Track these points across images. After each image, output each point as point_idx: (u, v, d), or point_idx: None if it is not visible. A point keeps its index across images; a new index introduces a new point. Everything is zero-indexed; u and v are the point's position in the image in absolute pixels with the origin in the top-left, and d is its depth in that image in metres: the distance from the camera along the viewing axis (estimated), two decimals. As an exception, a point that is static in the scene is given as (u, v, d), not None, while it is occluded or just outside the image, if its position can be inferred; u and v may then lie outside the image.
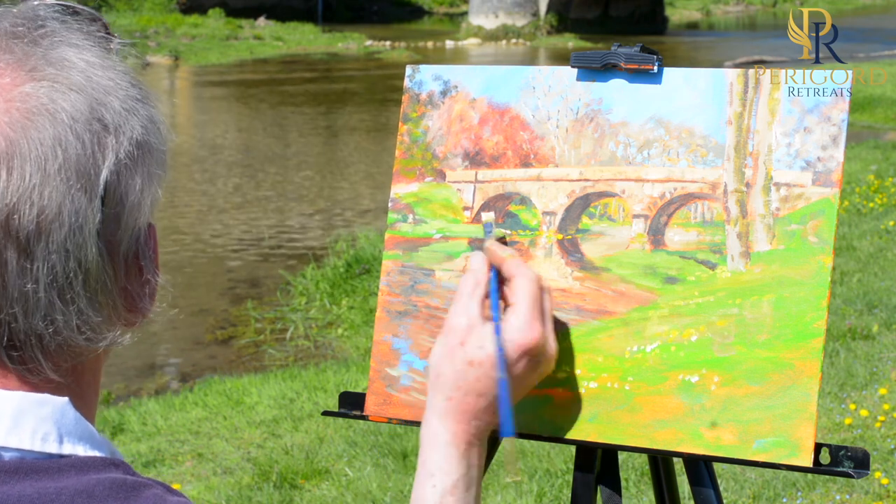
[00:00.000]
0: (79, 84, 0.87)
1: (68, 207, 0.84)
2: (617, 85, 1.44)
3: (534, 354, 1.22)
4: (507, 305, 1.24)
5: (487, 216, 1.40)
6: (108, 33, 0.94)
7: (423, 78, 1.53)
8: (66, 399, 0.88)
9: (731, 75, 1.40)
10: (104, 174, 0.86)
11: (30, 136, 0.84)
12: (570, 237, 1.42)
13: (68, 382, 0.90)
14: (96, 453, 0.88)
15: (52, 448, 0.86)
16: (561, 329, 1.39)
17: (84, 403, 0.91)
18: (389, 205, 1.50)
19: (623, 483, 4.07)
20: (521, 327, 1.21)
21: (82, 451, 0.87)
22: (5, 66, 0.86)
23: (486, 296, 1.24)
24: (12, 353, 0.87)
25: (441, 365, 1.23)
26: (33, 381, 0.88)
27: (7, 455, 0.85)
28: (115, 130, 0.87)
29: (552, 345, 1.24)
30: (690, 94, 1.41)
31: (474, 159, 1.48)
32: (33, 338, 0.86)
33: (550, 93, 1.46)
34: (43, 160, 0.84)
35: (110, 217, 0.87)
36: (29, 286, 0.84)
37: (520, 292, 1.23)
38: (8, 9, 0.90)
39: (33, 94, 0.85)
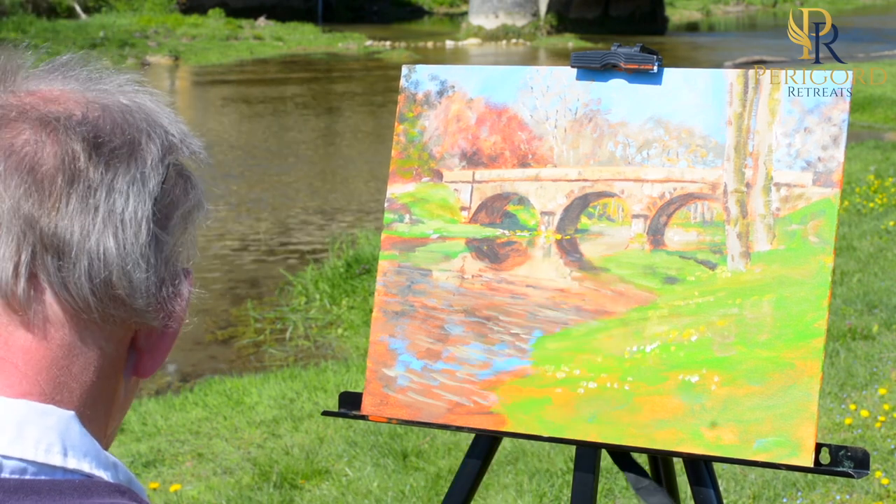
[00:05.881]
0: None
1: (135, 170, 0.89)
2: (616, 85, 1.43)
3: None
4: None
5: None
6: None
7: (419, 78, 1.52)
8: (71, 413, 0.86)
9: (730, 76, 1.40)
10: (162, 170, 0.90)
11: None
12: (568, 237, 1.41)
13: (76, 401, 0.88)
14: (102, 473, 0.86)
15: (55, 460, 0.84)
16: (559, 329, 1.38)
17: (92, 427, 0.89)
18: (386, 205, 1.50)
19: (623, 483, 4.07)
20: None
21: (87, 467, 0.85)
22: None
23: None
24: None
25: None
26: (45, 389, 0.86)
27: (9, 465, 0.83)
28: (174, 145, 0.93)
29: None
30: (690, 94, 1.40)
31: (472, 159, 1.47)
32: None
33: (549, 93, 1.46)
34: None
35: (160, 209, 0.90)
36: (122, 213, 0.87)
37: None
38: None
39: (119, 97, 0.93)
